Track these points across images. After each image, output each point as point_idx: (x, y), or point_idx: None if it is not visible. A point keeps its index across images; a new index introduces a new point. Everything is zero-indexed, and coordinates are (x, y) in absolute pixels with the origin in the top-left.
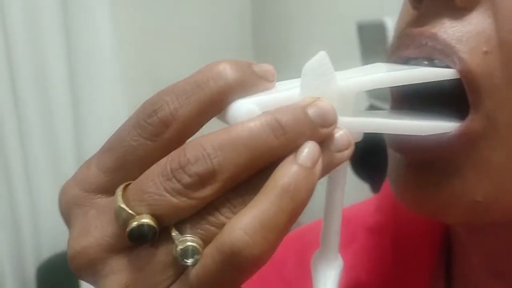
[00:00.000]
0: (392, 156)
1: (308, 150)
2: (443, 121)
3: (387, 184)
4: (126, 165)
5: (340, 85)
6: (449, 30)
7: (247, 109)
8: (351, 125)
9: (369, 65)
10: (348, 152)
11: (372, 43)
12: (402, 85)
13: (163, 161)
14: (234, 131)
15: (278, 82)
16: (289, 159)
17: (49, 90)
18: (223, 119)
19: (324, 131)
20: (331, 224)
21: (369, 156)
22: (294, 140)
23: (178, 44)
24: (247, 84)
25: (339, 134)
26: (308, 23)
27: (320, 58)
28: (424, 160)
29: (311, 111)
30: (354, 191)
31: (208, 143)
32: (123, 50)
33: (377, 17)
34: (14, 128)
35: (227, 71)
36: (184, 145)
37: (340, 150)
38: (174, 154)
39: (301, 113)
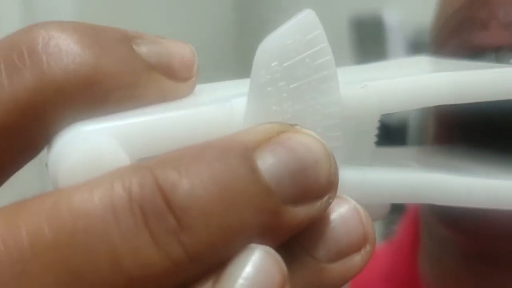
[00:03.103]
0: (434, 231)
1: (251, 273)
2: None
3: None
4: None
5: (348, 94)
6: None
7: (92, 150)
8: (371, 189)
9: (400, 60)
10: (362, 258)
11: (368, 43)
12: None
13: None
14: (43, 215)
15: (212, 85)
16: None
17: None
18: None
19: (302, 212)
20: None
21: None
22: (211, 248)
23: None
24: (116, 82)
25: (341, 213)
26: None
27: (302, 24)
28: (503, 254)
29: (267, 164)
30: None
31: None
32: None
33: (374, 9)
34: None
35: (54, 47)
36: None
37: (342, 256)
38: None
39: (239, 167)
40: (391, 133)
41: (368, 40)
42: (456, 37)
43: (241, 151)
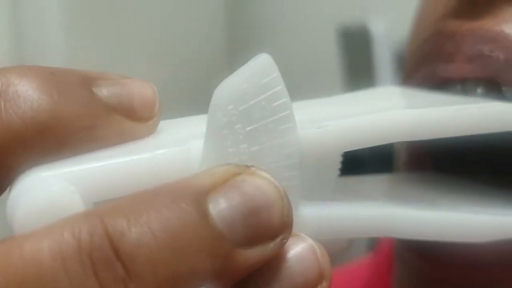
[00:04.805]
0: (405, 260)
1: None
2: None
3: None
4: None
5: (305, 134)
6: None
7: (48, 196)
8: (331, 224)
9: (368, 91)
10: None
11: (355, 53)
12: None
13: None
14: None
15: (176, 121)
16: None
17: None
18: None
19: (254, 253)
20: None
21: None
22: None
23: (137, 55)
24: (74, 126)
25: (297, 252)
26: (287, 27)
27: (258, 68)
28: (473, 283)
29: (219, 208)
30: None
31: None
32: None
33: (360, 20)
34: None
35: (13, 94)
36: None
37: None
38: None
39: (190, 213)
40: (378, 155)
41: (354, 50)
42: (422, 68)
43: (192, 196)
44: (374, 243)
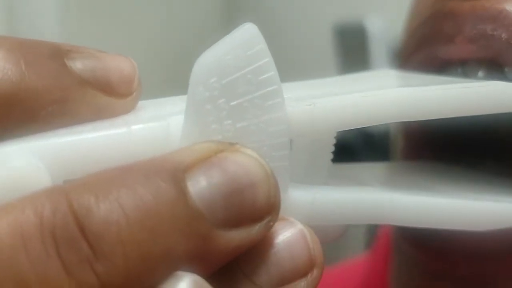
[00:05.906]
0: (402, 251)
1: None
2: None
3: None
4: None
5: (294, 111)
6: None
7: (12, 171)
8: (323, 209)
9: (362, 74)
10: (308, 284)
11: (351, 50)
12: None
13: None
14: None
15: (158, 100)
16: None
17: None
18: None
19: (237, 236)
20: None
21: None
22: (129, 279)
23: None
24: (44, 99)
25: (285, 237)
26: (283, 26)
27: (243, 38)
28: (470, 275)
29: (198, 186)
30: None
31: None
32: None
33: (356, 17)
34: None
35: None
36: None
37: (285, 282)
38: None
39: (167, 190)
40: (376, 143)
41: (351, 48)
42: (421, 50)
43: (169, 172)
44: (371, 240)
